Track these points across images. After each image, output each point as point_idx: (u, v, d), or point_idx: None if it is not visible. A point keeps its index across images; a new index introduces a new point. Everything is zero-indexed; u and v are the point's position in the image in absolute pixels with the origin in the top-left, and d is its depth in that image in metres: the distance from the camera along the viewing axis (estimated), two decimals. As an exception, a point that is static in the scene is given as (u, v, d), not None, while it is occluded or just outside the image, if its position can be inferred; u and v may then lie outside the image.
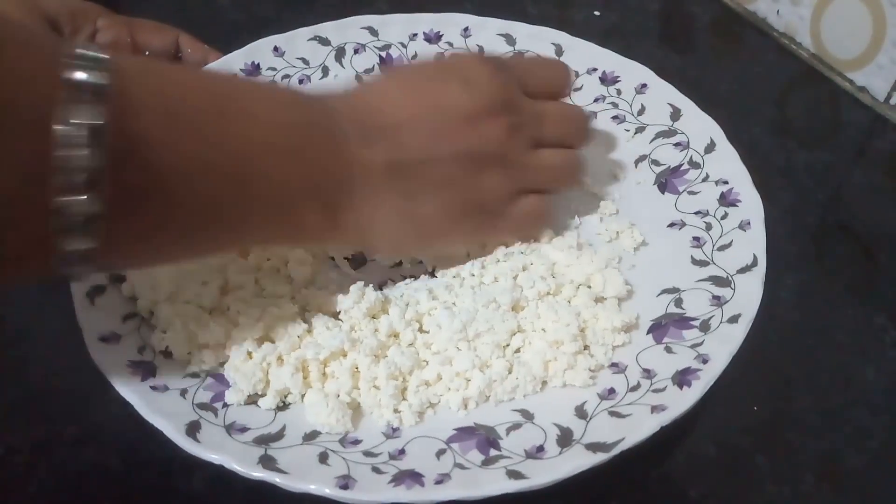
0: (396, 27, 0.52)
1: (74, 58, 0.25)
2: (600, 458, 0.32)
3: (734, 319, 0.36)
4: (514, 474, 0.31)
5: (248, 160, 0.31)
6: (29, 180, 0.25)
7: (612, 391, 0.35)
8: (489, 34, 0.52)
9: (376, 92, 0.37)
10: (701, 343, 0.36)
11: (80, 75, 0.25)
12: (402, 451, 0.33)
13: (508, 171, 0.37)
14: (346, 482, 0.31)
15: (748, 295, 0.37)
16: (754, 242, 0.40)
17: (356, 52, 0.52)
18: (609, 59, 0.50)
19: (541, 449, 0.33)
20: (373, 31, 0.52)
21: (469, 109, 0.36)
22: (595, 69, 0.50)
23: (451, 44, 0.52)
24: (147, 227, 0.29)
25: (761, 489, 0.36)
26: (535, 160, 0.39)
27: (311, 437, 0.34)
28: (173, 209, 0.29)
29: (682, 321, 0.38)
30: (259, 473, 0.31)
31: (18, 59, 0.24)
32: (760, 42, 0.59)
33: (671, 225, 0.43)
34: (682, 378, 0.34)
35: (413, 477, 0.31)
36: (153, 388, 0.34)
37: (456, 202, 0.36)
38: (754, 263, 0.39)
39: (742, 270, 0.39)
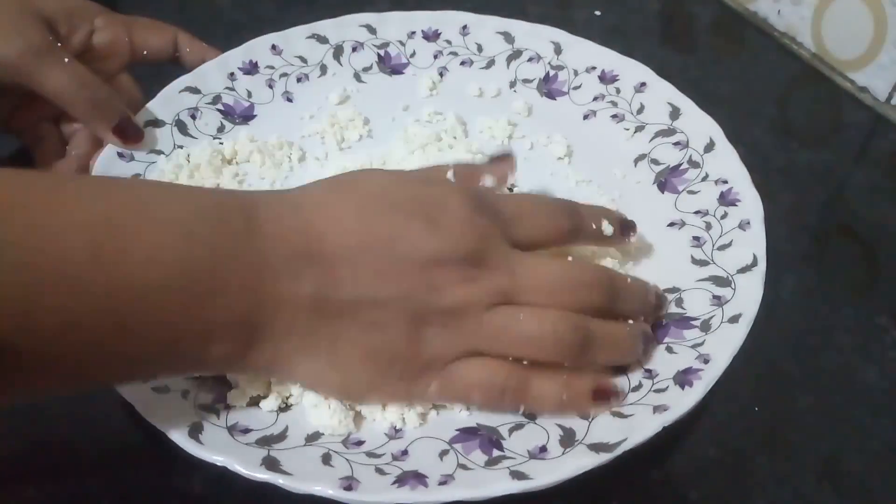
0: (395, 25, 0.52)
1: None
2: (603, 458, 0.32)
3: (735, 319, 0.36)
4: (518, 475, 0.31)
5: (131, 308, 0.27)
6: None
7: (614, 391, 0.35)
8: (488, 32, 0.52)
9: (326, 210, 0.31)
10: (702, 343, 0.36)
11: None
12: (405, 452, 0.33)
13: (458, 329, 0.32)
14: (349, 483, 0.31)
15: (749, 295, 0.37)
16: (754, 242, 0.40)
17: (354, 49, 0.51)
18: (608, 58, 0.50)
19: (543, 449, 0.33)
20: (371, 29, 0.52)
21: (427, 255, 0.31)
22: (594, 68, 0.50)
23: (449, 42, 0.52)
24: (17, 383, 0.26)
25: (762, 490, 0.36)
26: (496, 321, 0.32)
27: (313, 438, 0.33)
28: (44, 364, 0.26)
29: (683, 321, 0.37)
30: (263, 475, 0.31)
31: None
32: (761, 42, 0.59)
33: (671, 224, 0.43)
34: (684, 378, 0.34)
35: (416, 478, 0.31)
36: (154, 389, 0.34)
37: (384, 354, 0.31)
38: (754, 263, 0.39)
39: (742, 270, 0.39)
